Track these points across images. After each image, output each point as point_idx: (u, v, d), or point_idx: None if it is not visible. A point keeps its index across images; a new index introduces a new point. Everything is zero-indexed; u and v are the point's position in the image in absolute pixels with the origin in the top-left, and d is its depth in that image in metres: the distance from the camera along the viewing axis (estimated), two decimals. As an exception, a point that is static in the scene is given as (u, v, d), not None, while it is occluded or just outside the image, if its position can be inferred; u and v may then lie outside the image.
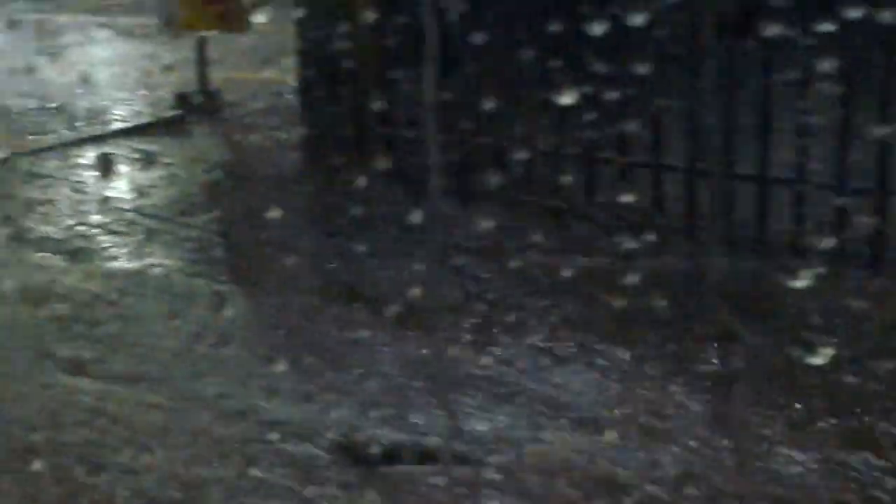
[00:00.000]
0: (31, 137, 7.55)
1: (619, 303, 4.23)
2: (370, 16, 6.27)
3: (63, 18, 11.56)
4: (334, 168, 6.14)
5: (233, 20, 7.92)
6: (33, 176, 6.75)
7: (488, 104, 5.59)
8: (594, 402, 3.85)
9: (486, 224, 5.18)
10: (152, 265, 5.37)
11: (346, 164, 6.14)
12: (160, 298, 4.96)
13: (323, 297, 4.83)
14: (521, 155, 5.70)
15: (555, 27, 4.79)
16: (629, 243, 4.61)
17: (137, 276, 5.25)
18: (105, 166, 6.85)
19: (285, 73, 7.60)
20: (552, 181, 5.70)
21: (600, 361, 4.11)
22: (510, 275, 4.86)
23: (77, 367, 4.19)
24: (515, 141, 5.83)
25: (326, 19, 6.28)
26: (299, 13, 6.67)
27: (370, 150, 6.40)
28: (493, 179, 5.64)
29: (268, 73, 8.22)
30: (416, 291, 4.32)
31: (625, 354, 4.16)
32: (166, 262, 5.41)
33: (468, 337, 4.34)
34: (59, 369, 4.15)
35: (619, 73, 4.90)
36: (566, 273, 4.61)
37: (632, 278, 4.07)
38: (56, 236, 5.74)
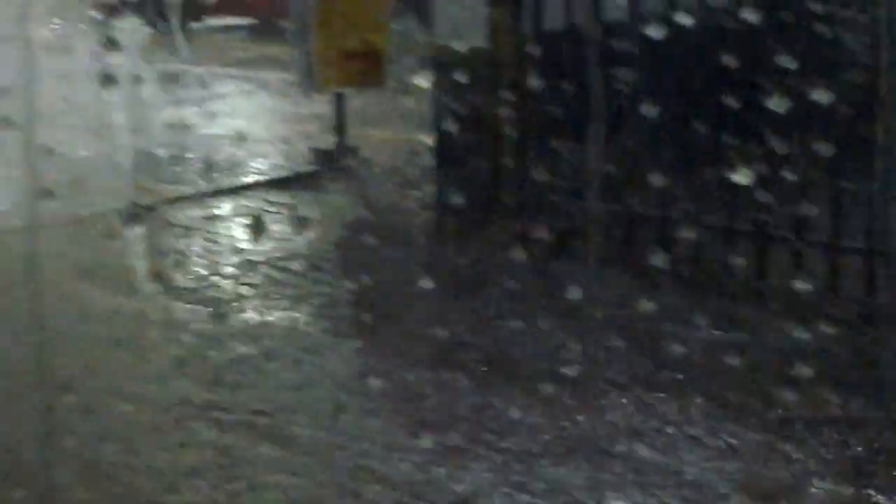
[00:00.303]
0: (170, 187, 7.65)
1: (786, 397, 4.03)
2: (510, 81, 6.25)
3: (203, 71, 11.77)
4: (467, 231, 6.08)
5: (371, 78, 7.96)
6: (171, 225, 6.81)
7: (653, 177, 5.44)
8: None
9: (646, 300, 5.02)
10: (281, 318, 5.36)
11: (481, 228, 6.09)
12: (285, 352, 4.93)
13: (448, 361, 4.73)
14: (688, 231, 5.51)
15: (730, 99, 4.64)
16: (801, 330, 4.38)
17: (266, 328, 5.24)
18: (257, 228, 6.89)
19: (422, 132, 7.58)
20: (721, 259, 5.50)
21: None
22: (665, 356, 4.69)
23: (204, 415, 4.18)
24: (682, 215, 5.65)
25: (464, 82, 6.24)
26: (438, 73, 6.65)
27: (507, 214, 6.32)
28: (656, 254, 5.48)
29: (405, 132, 8.20)
30: (558, 364, 4.23)
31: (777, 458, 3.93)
32: (295, 315, 5.40)
33: (616, 417, 4.20)
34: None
35: (797, 149, 4.72)
36: (730, 359, 4.40)
37: (802, 370, 3.85)
38: (189, 285, 5.77)
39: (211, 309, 5.45)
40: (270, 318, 5.39)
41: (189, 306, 5.49)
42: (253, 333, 5.19)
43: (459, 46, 6.32)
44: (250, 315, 5.42)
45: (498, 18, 6.40)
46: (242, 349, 4.97)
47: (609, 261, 5.64)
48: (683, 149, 5.63)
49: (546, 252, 5.78)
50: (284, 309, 5.47)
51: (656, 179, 5.44)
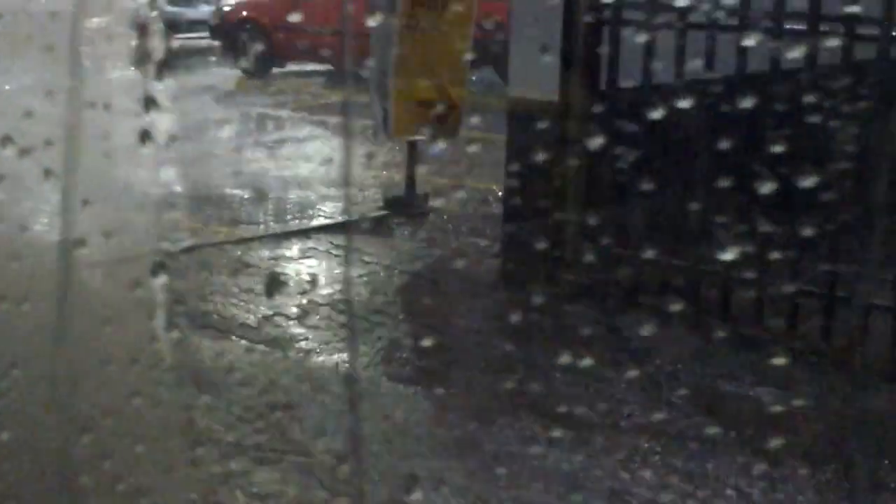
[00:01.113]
0: (241, 226, 7.72)
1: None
2: (581, 135, 6.23)
3: (282, 114, 11.94)
4: (532, 280, 6.04)
5: (445, 127, 7.97)
6: (241, 264, 6.86)
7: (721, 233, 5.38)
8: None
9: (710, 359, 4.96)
10: (342, 361, 5.36)
11: (546, 278, 6.04)
12: (341, 394, 4.92)
13: (501, 408, 4.68)
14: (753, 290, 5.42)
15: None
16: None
17: (325, 370, 5.23)
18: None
19: (492, 181, 7.58)
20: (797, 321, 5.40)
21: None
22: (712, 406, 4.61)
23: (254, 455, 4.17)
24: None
25: (536, 135, 6.23)
26: (511, 125, 6.65)
27: (572, 266, 6.28)
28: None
29: (475, 180, 8.21)
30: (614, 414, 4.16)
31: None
32: (356, 358, 5.39)
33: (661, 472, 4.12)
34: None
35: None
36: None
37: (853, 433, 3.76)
38: (252, 323, 5.79)
39: (270, 348, 5.47)
40: (327, 360, 5.38)
41: (248, 343, 5.52)
42: (309, 374, 5.19)
43: (532, 100, 6.33)
44: (309, 356, 5.42)
45: (572, 74, 6.39)
46: (298, 388, 4.97)
47: (677, 317, 5.56)
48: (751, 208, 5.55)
49: (611, 304, 5.73)
50: (342, 351, 5.46)
51: (724, 236, 5.37)
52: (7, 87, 13.08)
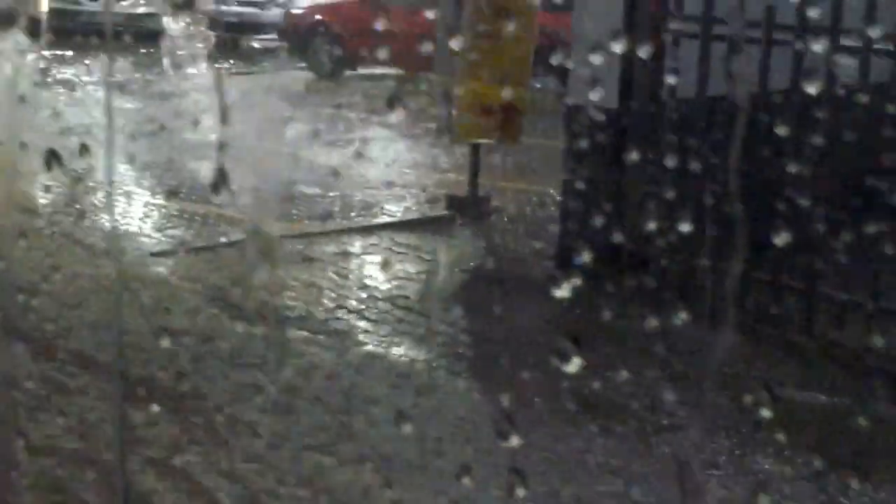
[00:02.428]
0: (307, 222, 7.94)
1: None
2: (641, 141, 6.36)
3: (350, 115, 12.16)
4: (587, 283, 6.14)
5: (508, 131, 8.14)
6: (303, 258, 7.07)
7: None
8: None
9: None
10: (400, 355, 5.54)
11: (601, 281, 6.15)
12: (398, 388, 5.09)
13: (554, 407, 4.82)
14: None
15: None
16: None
17: (383, 363, 5.42)
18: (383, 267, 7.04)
19: (552, 186, 7.73)
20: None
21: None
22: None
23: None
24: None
25: (595, 140, 6.38)
26: (571, 130, 6.79)
27: (628, 270, 6.39)
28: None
29: (536, 184, 8.37)
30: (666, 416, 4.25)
31: None
32: (412, 353, 5.58)
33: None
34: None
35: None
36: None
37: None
38: (315, 316, 6.00)
39: (331, 340, 5.67)
40: (385, 353, 5.57)
41: (308, 335, 5.72)
42: (367, 365, 5.39)
43: (592, 105, 6.45)
44: (367, 348, 5.61)
45: (632, 81, 6.52)
46: (354, 380, 5.16)
47: (733, 324, 5.63)
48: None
49: (664, 309, 5.83)
50: (399, 345, 5.65)
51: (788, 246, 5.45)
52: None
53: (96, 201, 7.72)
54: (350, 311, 6.10)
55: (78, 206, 7.60)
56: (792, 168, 5.45)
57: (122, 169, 8.85)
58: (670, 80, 6.35)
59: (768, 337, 5.56)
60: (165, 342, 5.19)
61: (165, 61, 16.66)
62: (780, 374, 5.24)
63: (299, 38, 16.23)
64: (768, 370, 5.25)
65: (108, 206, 8.16)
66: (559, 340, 4.92)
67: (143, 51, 17.25)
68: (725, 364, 5.15)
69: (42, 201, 7.57)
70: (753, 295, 5.78)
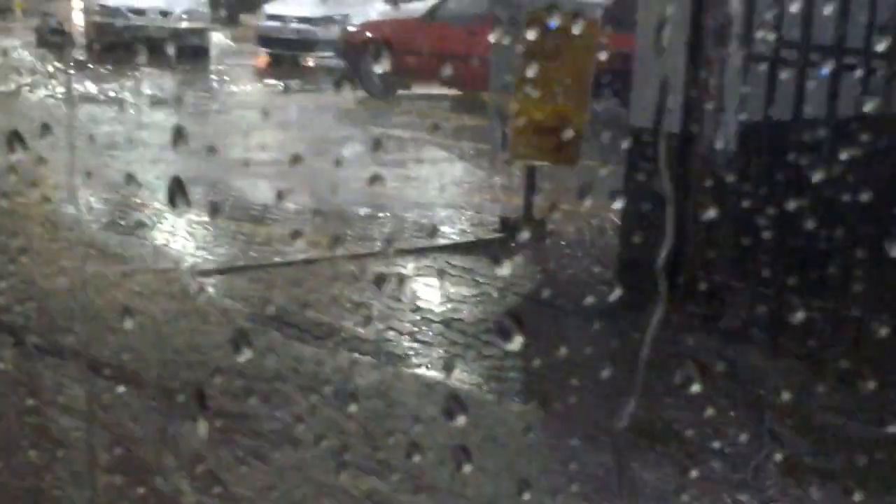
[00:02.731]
0: (359, 243, 7.87)
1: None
2: (704, 165, 6.24)
3: (404, 135, 12.11)
4: (643, 308, 6.04)
5: (564, 153, 8.03)
6: (356, 279, 7.00)
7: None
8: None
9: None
10: (451, 377, 5.46)
11: (659, 307, 6.04)
12: (446, 406, 4.98)
13: (600, 433, 4.72)
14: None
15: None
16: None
17: (434, 385, 5.33)
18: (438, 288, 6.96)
19: (609, 209, 7.61)
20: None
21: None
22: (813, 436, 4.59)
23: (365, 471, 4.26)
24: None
25: (655, 163, 6.26)
26: (631, 152, 6.68)
27: (686, 296, 6.28)
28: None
29: (593, 207, 8.25)
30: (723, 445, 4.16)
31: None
32: (463, 375, 5.48)
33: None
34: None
35: None
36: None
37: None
38: (366, 337, 5.92)
39: (380, 360, 5.60)
40: (436, 374, 5.48)
41: (356, 356, 5.65)
42: (417, 388, 5.29)
43: (655, 128, 6.35)
44: (418, 371, 5.53)
45: (696, 105, 6.40)
46: (405, 402, 5.07)
47: (794, 354, 5.54)
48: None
49: (724, 338, 5.73)
50: (448, 366, 5.56)
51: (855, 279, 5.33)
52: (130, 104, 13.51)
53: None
54: (400, 333, 6.02)
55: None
56: (860, 194, 5.33)
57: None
58: (734, 103, 6.23)
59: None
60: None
61: (214, 78, 16.72)
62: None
63: (353, 56, 16.22)
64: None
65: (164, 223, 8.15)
66: (607, 364, 4.81)
67: (188, 67, 17.32)
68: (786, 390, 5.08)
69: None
70: (816, 321, 5.64)
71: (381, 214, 8.57)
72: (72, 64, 17.40)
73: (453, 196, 9.57)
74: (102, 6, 18.57)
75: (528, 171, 8.14)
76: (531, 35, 7.75)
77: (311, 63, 18.43)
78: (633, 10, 6.85)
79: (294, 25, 18.88)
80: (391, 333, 6.00)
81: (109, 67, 16.36)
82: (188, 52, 18.36)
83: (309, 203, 8.86)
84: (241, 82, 17.07)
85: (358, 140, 11.46)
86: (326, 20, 18.38)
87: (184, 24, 18.66)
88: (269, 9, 19.54)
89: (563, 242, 7.96)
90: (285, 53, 18.70)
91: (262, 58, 19.13)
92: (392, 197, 8.88)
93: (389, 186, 9.07)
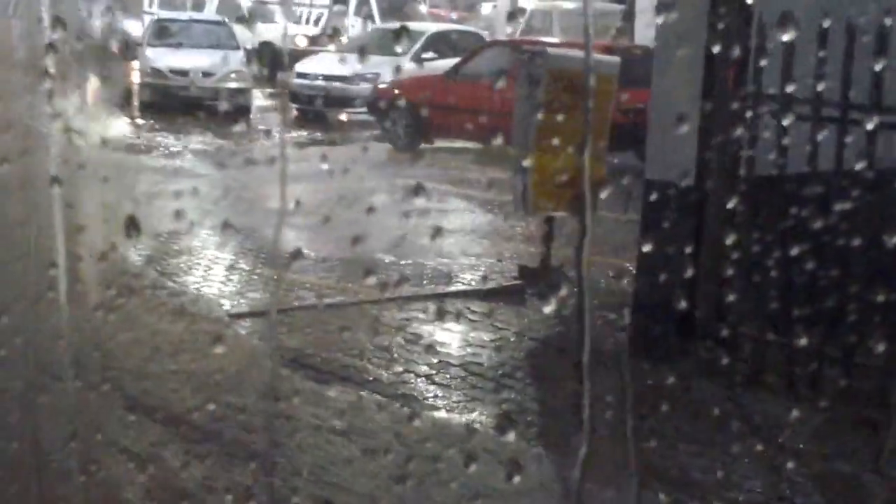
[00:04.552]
0: (384, 288, 7.83)
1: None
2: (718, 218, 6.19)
3: (430, 186, 12.10)
4: (659, 355, 5.97)
5: (584, 204, 7.97)
6: (377, 323, 6.95)
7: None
8: None
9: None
10: (470, 420, 5.39)
11: (673, 354, 5.99)
12: (467, 453, 4.93)
13: (617, 475, 4.62)
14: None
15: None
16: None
17: (453, 428, 5.25)
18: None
19: (626, 259, 7.56)
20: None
21: None
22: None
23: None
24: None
25: (670, 215, 6.20)
26: (646, 205, 6.63)
27: (702, 344, 6.21)
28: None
29: (610, 256, 8.19)
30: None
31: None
32: (481, 418, 5.41)
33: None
34: None
35: None
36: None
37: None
38: (384, 380, 5.86)
39: (399, 404, 5.54)
40: (453, 417, 5.41)
41: (377, 397, 5.59)
42: (434, 431, 5.23)
43: (668, 183, 6.31)
44: (436, 413, 5.46)
45: (709, 160, 6.36)
46: (422, 444, 5.01)
47: (803, 398, 5.47)
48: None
49: (735, 383, 5.65)
50: (469, 410, 5.49)
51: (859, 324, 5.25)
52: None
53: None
54: (419, 376, 5.96)
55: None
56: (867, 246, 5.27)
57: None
58: (748, 157, 6.17)
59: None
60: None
61: (254, 134, 16.86)
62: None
63: (381, 111, 16.32)
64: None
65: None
66: (621, 410, 4.74)
67: (231, 123, 17.49)
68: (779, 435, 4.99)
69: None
70: (830, 370, 5.56)
71: (401, 261, 8.54)
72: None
73: (475, 245, 9.53)
74: (153, 69, 18.94)
75: (545, 221, 8.10)
76: (551, 91, 7.74)
77: (346, 118, 18.54)
78: (649, 67, 6.84)
79: (328, 83, 19.00)
80: (407, 375, 5.95)
81: (157, 125, 16.66)
82: (231, 110, 18.73)
83: (335, 251, 8.84)
84: (275, 137, 17.22)
85: (383, 191, 11.45)
86: (362, 78, 18.48)
87: (226, 84, 18.93)
88: (298, 67, 19.72)
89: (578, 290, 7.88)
90: (315, 109, 18.82)
91: (295, 114, 19.31)
92: (414, 244, 8.84)
93: (412, 234, 9.04)
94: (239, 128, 17.39)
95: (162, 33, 20.01)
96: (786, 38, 5.48)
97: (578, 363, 5.90)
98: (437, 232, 9.02)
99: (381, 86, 17.37)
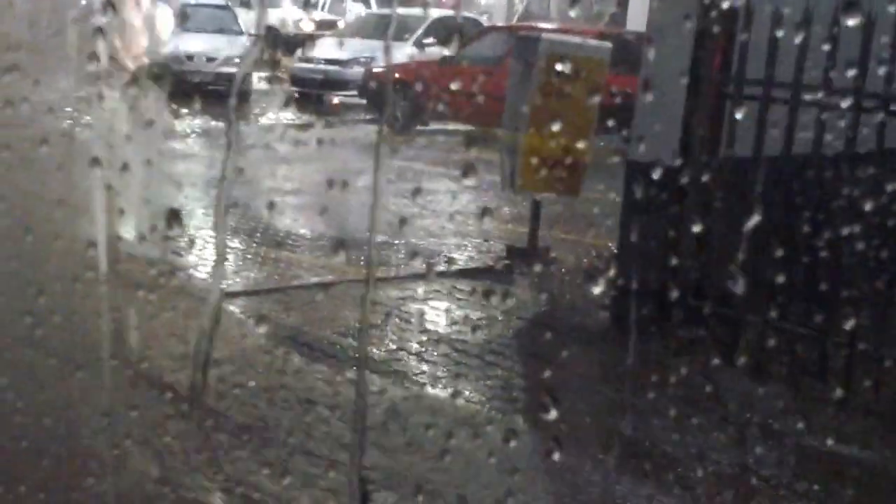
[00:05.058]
0: (375, 267, 7.89)
1: None
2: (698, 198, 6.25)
3: (419, 168, 12.17)
4: (638, 333, 6.05)
5: (569, 185, 8.06)
6: (370, 301, 7.00)
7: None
8: None
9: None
10: (455, 394, 5.47)
11: (652, 332, 6.06)
12: (455, 426, 5.01)
13: (596, 450, 4.72)
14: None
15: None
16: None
17: (440, 402, 5.33)
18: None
19: (610, 239, 7.63)
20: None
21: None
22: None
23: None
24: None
25: (652, 196, 6.26)
26: (630, 185, 6.70)
27: (680, 322, 6.28)
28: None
29: (594, 237, 8.27)
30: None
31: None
32: (468, 394, 5.49)
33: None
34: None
35: None
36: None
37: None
38: (375, 357, 5.93)
39: (390, 379, 5.61)
40: (440, 392, 5.49)
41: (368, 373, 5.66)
42: (422, 404, 5.30)
43: (652, 163, 6.37)
44: (425, 389, 5.54)
45: (692, 140, 6.42)
46: (411, 417, 5.08)
47: (778, 377, 5.55)
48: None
49: (710, 361, 5.71)
50: (454, 386, 5.57)
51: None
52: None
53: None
54: (409, 353, 6.04)
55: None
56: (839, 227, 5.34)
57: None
58: (729, 140, 6.24)
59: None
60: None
61: (253, 117, 16.89)
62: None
63: (375, 94, 16.38)
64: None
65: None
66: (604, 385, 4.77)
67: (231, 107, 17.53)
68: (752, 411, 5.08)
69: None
70: (801, 347, 5.64)
71: (393, 241, 8.60)
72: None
73: (464, 226, 9.60)
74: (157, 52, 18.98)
75: (533, 201, 8.17)
76: (543, 75, 7.81)
77: (340, 101, 18.59)
78: (638, 54, 6.90)
79: (322, 67, 19.06)
80: (399, 353, 6.02)
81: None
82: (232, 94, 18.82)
83: (328, 230, 8.91)
84: (274, 119, 17.29)
85: (378, 172, 11.51)
86: (356, 62, 18.53)
87: (227, 69, 18.96)
88: (301, 52, 19.80)
89: (564, 269, 7.97)
90: (317, 93, 18.89)
91: (295, 97, 19.39)
92: (405, 225, 8.91)
93: (403, 215, 9.11)
94: (239, 110, 17.42)
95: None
96: (771, 27, 5.57)
97: (561, 341, 6.00)
98: (427, 212, 9.09)
99: (374, 69, 17.43)
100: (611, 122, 7.86)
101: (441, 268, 8.04)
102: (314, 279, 7.51)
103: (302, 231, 8.98)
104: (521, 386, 5.76)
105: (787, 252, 5.57)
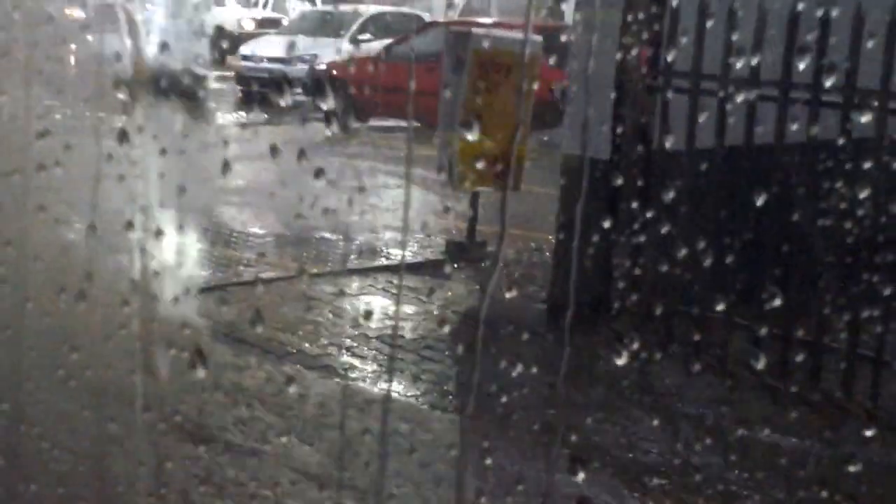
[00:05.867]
0: (309, 263, 7.81)
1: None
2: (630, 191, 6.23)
3: (358, 164, 12.08)
4: (574, 326, 6.00)
5: (507, 179, 7.99)
6: (306, 298, 6.91)
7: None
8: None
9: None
10: (387, 389, 5.40)
11: (587, 325, 6.03)
12: (385, 420, 4.93)
13: (534, 443, 4.66)
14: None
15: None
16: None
17: (371, 396, 5.25)
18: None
19: (547, 232, 7.59)
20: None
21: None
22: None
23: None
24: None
25: (587, 189, 6.23)
26: (566, 180, 6.66)
27: (614, 315, 6.26)
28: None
29: (531, 230, 8.23)
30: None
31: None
32: (400, 388, 5.42)
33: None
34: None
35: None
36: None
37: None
38: (308, 352, 5.84)
39: (322, 374, 5.53)
40: (372, 387, 5.41)
41: (299, 368, 5.58)
42: (354, 399, 5.22)
43: (583, 156, 6.35)
44: (356, 384, 5.46)
45: (622, 136, 6.40)
46: (340, 412, 5.01)
47: (713, 368, 5.53)
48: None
49: (644, 353, 5.68)
50: (386, 381, 5.50)
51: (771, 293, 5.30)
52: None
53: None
54: (342, 348, 5.95)
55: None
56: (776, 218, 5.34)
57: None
58: (659, 133, 6.21)
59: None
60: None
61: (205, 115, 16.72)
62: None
63: (317, 92, 16.32)
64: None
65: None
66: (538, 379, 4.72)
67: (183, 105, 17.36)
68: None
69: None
70: (737, 342, 5.61)
71: (331, 238, 8.52)
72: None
73: (401, 220, 9.53)
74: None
75: (472, 197, 8.12)
76: (475, 71, 7.76)
77: (285, 100, 18.42)
78: (569, 48, 6.86)
79: (265, 65, 18.92)
80: (331, 349, 5.94)
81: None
82: (183, 94, 18.53)
83: (268, 228, 8.80)
84: (213, 118, 17.11)
85: (314, 169, 11.40)
86: (300, 60, 18.43)
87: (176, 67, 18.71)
88: (243, 49, 19.63)
89: (502, 264, 7.91)
90: (262, 91, 18.75)
91: (240, 96, 19.28)
92: (343, 221, 8.81)
93: (343, 211, 9.01)
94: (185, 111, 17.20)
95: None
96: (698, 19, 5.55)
97: (495, 335, 5.92)
98: (365, 208, 9.01)
99: (317, 67, 17.33)
100: (549, 117, 7.84)
101: (380, 262, 7.95)
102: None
103: (243, 229, 8.86)
104: (451, 379, 5.70)
105: (720, 241, 5.56)
